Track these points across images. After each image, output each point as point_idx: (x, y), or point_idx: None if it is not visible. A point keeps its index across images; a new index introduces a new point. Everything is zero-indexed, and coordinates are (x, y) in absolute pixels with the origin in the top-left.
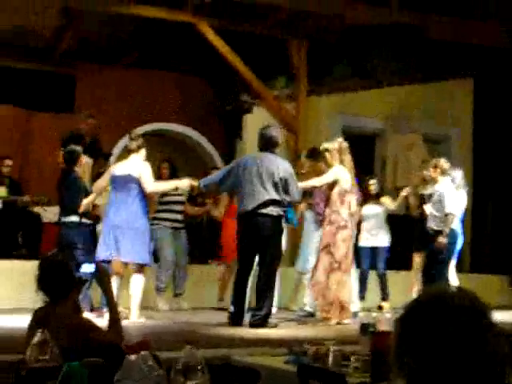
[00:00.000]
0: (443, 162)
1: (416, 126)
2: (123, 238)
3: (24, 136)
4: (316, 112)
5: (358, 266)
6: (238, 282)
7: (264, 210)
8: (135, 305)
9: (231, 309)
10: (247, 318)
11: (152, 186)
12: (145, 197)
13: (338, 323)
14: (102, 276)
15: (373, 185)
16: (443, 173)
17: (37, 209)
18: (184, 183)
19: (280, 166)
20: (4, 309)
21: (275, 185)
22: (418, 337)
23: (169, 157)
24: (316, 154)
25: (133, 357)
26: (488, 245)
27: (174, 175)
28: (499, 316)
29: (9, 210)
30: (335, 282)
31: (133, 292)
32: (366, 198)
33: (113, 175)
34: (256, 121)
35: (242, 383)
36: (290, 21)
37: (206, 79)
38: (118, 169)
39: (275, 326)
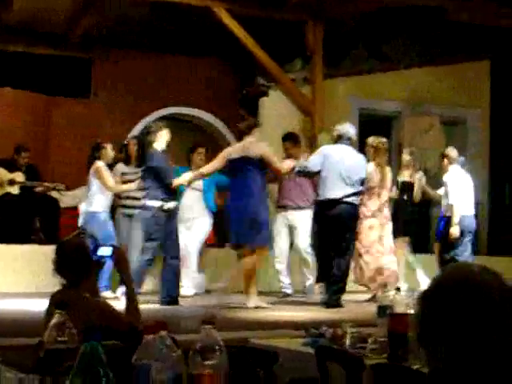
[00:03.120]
0: (450, 151)
1: (433, 108)
2: (247, 222)
3: (43, 121)
4: (332, 95)
5: None
6: (328, 265)
7: (348, 199)
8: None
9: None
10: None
11: (279, 164)
12: (263, 178)
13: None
14: (119, 259)
15: None
16: (451, 162)
17: (54, 194)
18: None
19: (356, 157)
20: (22, 293)
21: (355, 175)
22: (443, 315)
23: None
24: (294, 138)
25: (150, 337)
26: (506, 227)
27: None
28: None
29: (26, 195)
30: (364, 264)
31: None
32: None
33: (230, 159)
34: (272, 104)
35: (259, 365)
36: (306, 4)
37: (223, 63)
38: (237, 151)
39: (342, 306)
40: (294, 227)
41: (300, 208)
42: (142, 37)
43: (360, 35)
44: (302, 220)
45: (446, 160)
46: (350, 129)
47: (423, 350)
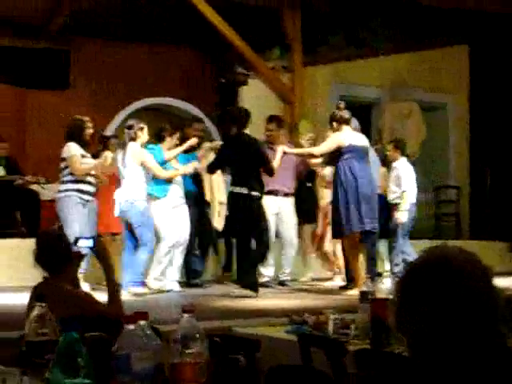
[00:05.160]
0: (403, 144)
1: (412, 93)
2: (373, 208)
3: (20, 114)
4: (312, 82)
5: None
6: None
7: None
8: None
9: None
10: None
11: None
12: None
13: None
14: (99, 250)
15: None
16: (403, 154)
17: (35, 187)
18: None
19: None
20: (5, 287)
21: None
22: (420, 298)
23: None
24: (279, 121)
25: (130, 326)
26: (487, 211)
27: None
28: (500, 282)
29: (6, 188)
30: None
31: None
32: None
33: (352, 145)
34: (251, 93)
35: (241, 353)
36: None
37: (200, 52)
38: (355, 139)
39: None
40: (282, 215)
41: (287, 195)
42: (119, 27)
43: (338, 21)
44: (290, 208)
45: (399, 150)
46: None
47: (401, 334)
